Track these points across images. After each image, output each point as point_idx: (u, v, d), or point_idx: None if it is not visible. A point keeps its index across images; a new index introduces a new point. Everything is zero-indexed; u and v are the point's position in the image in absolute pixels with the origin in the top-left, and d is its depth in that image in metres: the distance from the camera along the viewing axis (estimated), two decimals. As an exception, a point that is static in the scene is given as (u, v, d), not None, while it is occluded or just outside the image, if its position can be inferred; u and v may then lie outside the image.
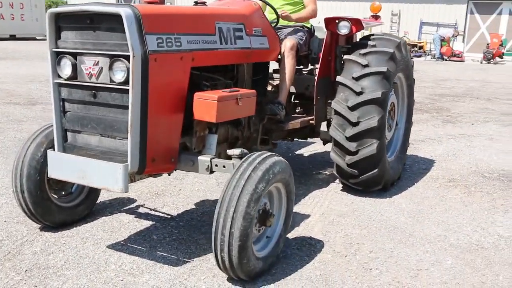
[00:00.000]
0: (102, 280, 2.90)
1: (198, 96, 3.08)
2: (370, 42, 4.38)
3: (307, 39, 4.59)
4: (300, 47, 4.37)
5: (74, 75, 2.93)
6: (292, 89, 4.58)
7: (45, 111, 7.75)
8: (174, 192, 4.38)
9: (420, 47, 25.10)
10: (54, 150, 3.09)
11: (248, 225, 2.68)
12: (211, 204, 4.14)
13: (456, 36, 24.37)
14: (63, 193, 3.56)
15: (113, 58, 2.76)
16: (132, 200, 4.14)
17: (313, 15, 4.64)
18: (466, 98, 11.13)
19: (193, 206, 4.08)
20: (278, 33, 4.22)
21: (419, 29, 26.81)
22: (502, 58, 23.59)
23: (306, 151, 6.01)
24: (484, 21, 26.30)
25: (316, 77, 4.39)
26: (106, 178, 2.80)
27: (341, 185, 4.61)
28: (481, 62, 22.61)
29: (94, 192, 3.71)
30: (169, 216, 3.85)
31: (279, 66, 4.35)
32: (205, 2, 3.75)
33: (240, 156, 3.02)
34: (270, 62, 4.15)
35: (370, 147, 4.11)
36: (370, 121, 4.08)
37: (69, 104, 3.04)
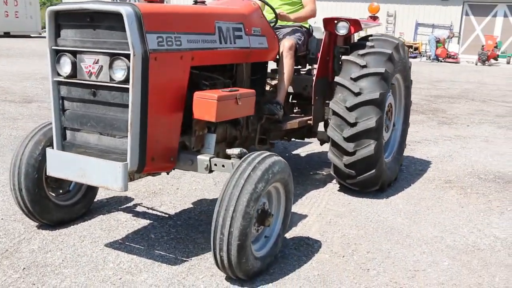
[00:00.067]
0: (100, 278, 2.90)
1: (198, 95, 3.08)
2: (368, 43, 4.39)
3: (305, 39, 4.59)
4: (298, 47, 4.37)
5: (73, 73, 2.92)
6: (290, 89, 4.58)
7: (41, 109, 7.72)
8: (172, 191, 4.38)
9: (416, 48, 25.18)
10: (52, 148, 3.08)
11: (247, 225, 2.69)
12: (208, 203, 4.15)
13: (451, 38, 24.46)
14: (61, 191, 3.56)
15: (113, 57, 2.76)
16: (130, 199, 4.13)
17: (312, 15, 4.64)
18: (461, 99, 11.18)
19: (191, 205, 4.08)
20: (277, 33, 4.23)
21: (414, 30, 26.91)
22: (497, 60, 23.70)
23: (303, 151, 6.02)
24: (479, 22, 26.41)
25: (314, 77, 4.40)
26: (105, 176, 2.80)
27: (338, 186, 4.62)
28: (476, 64, 22.69)
29: (91, 190, 3.71)
30: (167, 215, 3.85)
31: (277, 66, 4.36)
32: (205, 1, 3.74)
33: (240, 156, 3.03)
34: (269, 62, 4.16)
35: (368, 148, 4.12)
36: (368, 122, 4.09)
37: (68, 102, 3.03)
